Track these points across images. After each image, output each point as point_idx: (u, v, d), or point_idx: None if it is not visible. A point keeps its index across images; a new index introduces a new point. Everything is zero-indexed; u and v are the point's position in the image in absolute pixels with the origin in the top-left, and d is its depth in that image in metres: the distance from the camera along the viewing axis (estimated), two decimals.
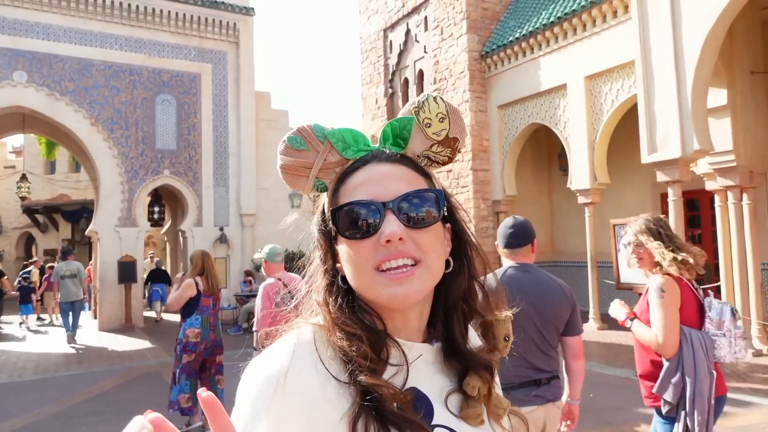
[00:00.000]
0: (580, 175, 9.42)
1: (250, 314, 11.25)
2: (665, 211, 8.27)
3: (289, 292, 4.36)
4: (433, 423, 0.71)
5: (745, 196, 7.75)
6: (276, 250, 4.69)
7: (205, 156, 13.40)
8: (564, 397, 2.71)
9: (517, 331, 2.16)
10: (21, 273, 15.22)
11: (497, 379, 0.83)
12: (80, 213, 20.16)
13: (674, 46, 7.08)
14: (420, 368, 0.74)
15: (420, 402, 0.71)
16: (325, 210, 0.77)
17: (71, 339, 10.56)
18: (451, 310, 0.79)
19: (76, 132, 12.06)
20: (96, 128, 12.23)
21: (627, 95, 8.67)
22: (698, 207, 10.16)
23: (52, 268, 12.54)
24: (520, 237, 2.71)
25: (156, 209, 14.97)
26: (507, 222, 2.80)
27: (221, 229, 13.39)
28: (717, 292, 8.60)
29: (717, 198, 8.10)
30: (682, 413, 2.49)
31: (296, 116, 18.88)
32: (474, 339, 0.83)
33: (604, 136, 9.18)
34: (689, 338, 2.54)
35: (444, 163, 0.81)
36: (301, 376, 0.65)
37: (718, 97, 7.70)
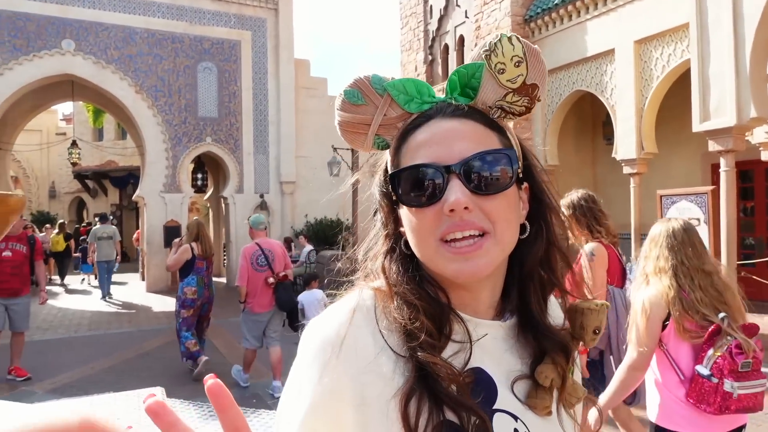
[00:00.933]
0: (626, 145, 9.11)
1: (295, 277, 11.49)
2: (716, 182, 7.94)
3: (264, 254, 5.16)
4: (495, 407, 0.65)
5: None
6: (259, 219, 5.46)
7: (245, 124, 13.56)
8: None
9: None
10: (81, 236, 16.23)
11: (578, 361, 0.76)
12: (127, 179, 20.83)
13: (733, 7, 6.66)
14: (487, 347, 0.68)
15: (482, 384, 0.65)
16: (388, 169, 0.71)
17: (107, 295, 11.85)
18: (526, 279, 0.72)
19: (121, 99, 12.37)
20: (140, 96, 12.51)
21: (679, 60, 8.25)
22: (752, 178, 9.70)
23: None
24: None
25: (199, 176, 15.32)
26: None
27: (261, 196, 13.63)
28: None
29: None
30: (610, 357, 3.18)
31: (335, 84, 18.70)
32: (557, 314, 0.76)
33: (653, 103, 8.80)
34: (613, 295, 3.20)
35: (521, 114, 0.71)
36: (357, 346, 0.62)
37: None
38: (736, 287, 2.16)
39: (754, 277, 8.40)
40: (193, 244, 5.70)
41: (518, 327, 0.72)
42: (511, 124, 0.74)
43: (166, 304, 11.03)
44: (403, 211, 0.69)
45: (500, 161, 0.66)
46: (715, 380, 1.90)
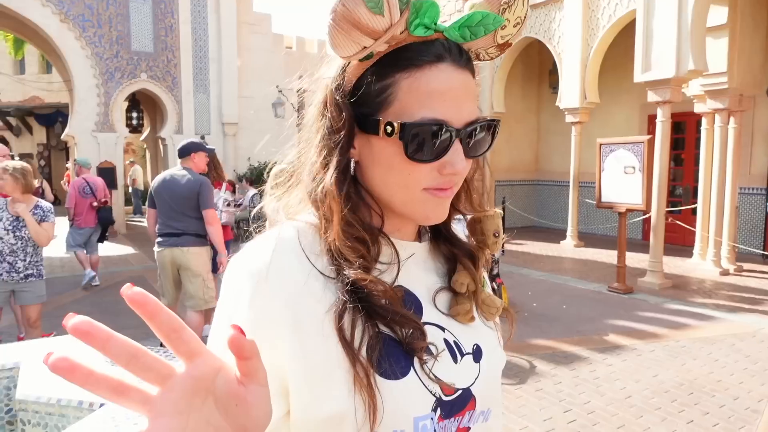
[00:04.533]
0: (570, 94, 9.27)
1: (238, 222, 11.27)
2: (652, 132, 8.27)
3: (89, 185, 7.07)
4: (423, 321, 0.68)
5: (732, 119, 7.74)
6: (86, 161, 7.42)
7: (184, 60, 12.81)
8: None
9: (164, 206, 4.23)
10: None
11: (488, 281, 0.82)
12: (55, 117, 19.47)
13: None
14: (409, 268, 0.71)
15: (409, 300, 0.69)
16: (346, 78, 0.67)
17: None
18: None
19: (44, 28, 11.36)
20: (66, 25, 11.51)
21: (626, 10, 8.36)
22: (684, 130, 10.17)
23: None
24: (184, 150, 4.36)
25: (134, 115, 14.51)
26: (185, 141, 4.46)
27: (202, 137, 13.07)
28: (693, 213, 8.82)
29: (704, 121, 8.08)
30: None
31: (279, 21, 17.81)
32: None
33: (598, 53, 8.94)
34: None
35: (482, 61, 0.72)
36: (283, 270, 0.63)
37: (718, 15, 7.46)
38: None
39: (679, 222, 8.95)
40: None
41: (432, 242, 0.78)
42: None
43: (103, 249, 10.61)
44: (380, 143, 0.65)
45: (491, 131, 0.68)
46: None
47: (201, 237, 4.31)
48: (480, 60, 0.72)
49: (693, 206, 8.76)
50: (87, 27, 11.75)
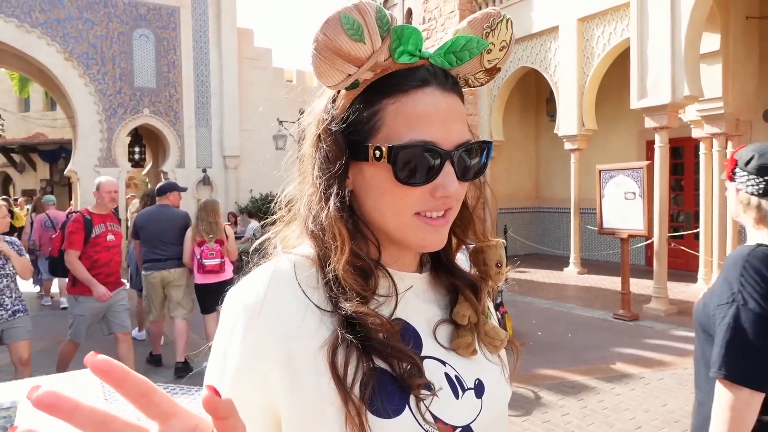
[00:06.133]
0: (567, 121, 9.35)
1: (240, 254, 11.25)
2: (650, 158, 8.31)
3: (50, 220, 8.00)
4: (422, 355, 0.67)
5: (729, 144, 7.78)
6: (50, 199, 8.49)
7: (186, 95, 13.00)
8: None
9: (150, 236, 5.20)
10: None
11: (493, 311, 0.80)
12: (58, 153, 19.66)
13: None
14: (409, 300, 0.70)
15: (408, 334, 0.67)
16: (336, 109, 0.67)
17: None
18: None
19: (49, 67, 11.57)
20: (71, 63, 11.73)
21: (619, 39, 8.50)
22: (682, 155, 10.21)
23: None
24: (161, 190, 5.26)
25: (136, 149, 14.64)
26: (161, 183, 5.36)
27: (204, 170, 13.19)
28: (695, 237, 8.78)
29: (702, 146, 8.12)
30: None
31: (280, 55, 18.12)
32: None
33: (594, 81, 9.06)
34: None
35: (473, 87, 0.73)
36: (277, 304, 0.62)
37: (711, 42, 7.58)
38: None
39: (682, 247, 8.91)
40: None
41: (432, 273, 0.76)
42: None
43: None
44: (371, 170, 0.65)
45: (483, 153, 0.68)
46: (197, 257, 5.08)
47: (179, 260, 5.25)
48: (470, 86, 0.72)
49: (695, 231, 8.73)
50: (91, 65, 11.96)
